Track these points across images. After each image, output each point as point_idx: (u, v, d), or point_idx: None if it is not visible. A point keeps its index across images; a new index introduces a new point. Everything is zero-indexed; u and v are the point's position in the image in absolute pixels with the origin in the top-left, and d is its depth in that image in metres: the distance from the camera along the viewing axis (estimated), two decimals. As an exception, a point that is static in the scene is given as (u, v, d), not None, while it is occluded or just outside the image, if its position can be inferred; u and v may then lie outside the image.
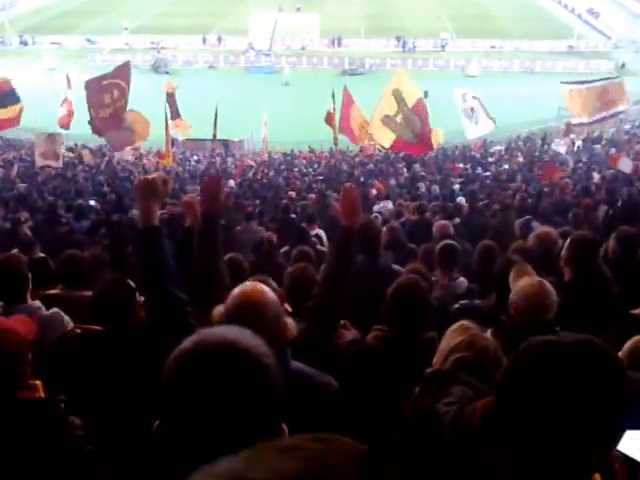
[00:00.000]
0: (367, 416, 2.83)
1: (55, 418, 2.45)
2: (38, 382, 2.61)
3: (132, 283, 3.63)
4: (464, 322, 2.65)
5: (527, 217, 8.32)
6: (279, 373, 1.30)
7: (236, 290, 2.26)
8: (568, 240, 4.49)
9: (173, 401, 1.21)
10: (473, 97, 24.11)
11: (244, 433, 1.13)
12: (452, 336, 2.53)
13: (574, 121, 23.37)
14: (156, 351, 1.49)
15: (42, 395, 2.58)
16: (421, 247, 6.44)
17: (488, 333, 2.60)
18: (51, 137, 19.38)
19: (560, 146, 25.85)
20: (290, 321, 3.24)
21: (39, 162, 19.32)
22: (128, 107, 18.06)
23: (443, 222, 7.58)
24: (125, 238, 7.21)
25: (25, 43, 51.18)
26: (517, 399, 1.43)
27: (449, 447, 1.95)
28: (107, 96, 17.62)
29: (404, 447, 2.22)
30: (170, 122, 22.11)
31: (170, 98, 21.89)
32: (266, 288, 2.29)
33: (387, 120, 16.90)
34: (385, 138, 17.44)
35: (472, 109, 23.88)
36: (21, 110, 19.77)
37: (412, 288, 3.33)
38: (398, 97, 16.97)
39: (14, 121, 20.25)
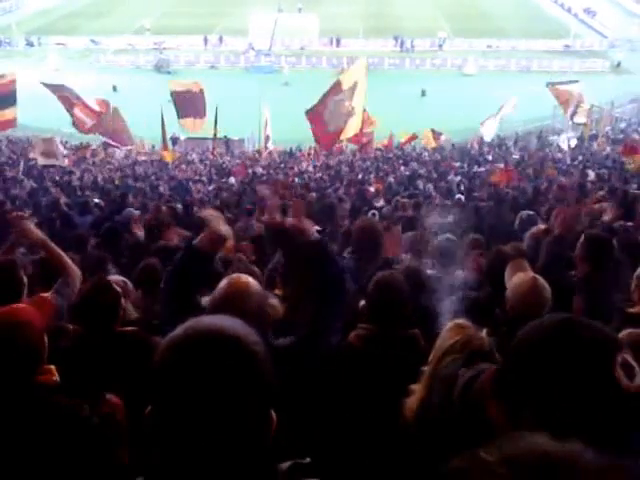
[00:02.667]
0: (352, 415, 2.85)
1: (72, 401, 2.48)
2: (52, 366, 2.63)
3: (118, 287, 3.56)
4: (460, 321, 2.62)
5: (529, 212, 8.23)
6: (268, 361, 1.31)
7: (223, 281, 2.32)
8: (582, 237, 4.50)
9: (164, 387, 1.22)
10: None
11: (233, 419, 1.15)
12: (448, 336, 2.45)
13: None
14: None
15: (57, 379, 2.61)
16: (407, 235, 6.44)
17: (484, 332, 2.59)
18: (46, 140, 19.51)
19: (560, 143, 25.87)
20: (275, 302, 3.29)
21: (41, 161, 19.43)
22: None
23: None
24: (119, 233, 7.24)
25: (31, 44, 51.16)
26: (522, 367, 1.46)
27: (457, 406, 1.97)
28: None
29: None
30: (180, 120, 22.18)
31: (188, 96, 21.84)
32: (250, 279, 2.35)
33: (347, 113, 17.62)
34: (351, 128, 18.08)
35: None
36: (15, 116, 19.96)
37: (390, 283, 3.34)
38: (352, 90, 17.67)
39: (12, 123, 20.33)
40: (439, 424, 2.10)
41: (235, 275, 2.47)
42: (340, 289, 2.85)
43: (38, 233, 4.50)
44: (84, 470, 2.28)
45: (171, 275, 2.88)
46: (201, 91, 22.26)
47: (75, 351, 3.25)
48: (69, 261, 4.40)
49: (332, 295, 2.91)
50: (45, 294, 4.00)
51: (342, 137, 19.38)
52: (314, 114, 18.20)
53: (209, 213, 2.91)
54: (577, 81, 23.75)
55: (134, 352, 3.02)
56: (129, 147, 23.78)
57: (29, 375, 2.48)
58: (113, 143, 21.48)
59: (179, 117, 22.21)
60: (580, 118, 26.36)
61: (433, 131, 26.35)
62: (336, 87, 18.05)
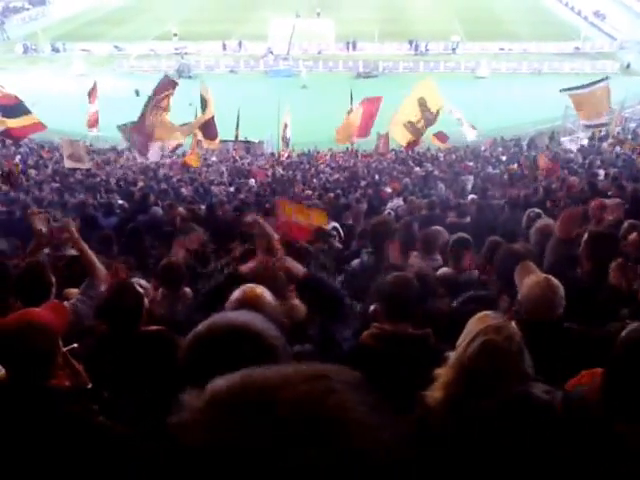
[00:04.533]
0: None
1: (84, 405, 2.48)
2: (69, 370, 2.66)
3: (140, 288, 3.61)
4: (487, 312, 2.65)
5: (536, 210, 8.19)
6: (288, 355, 1.33)
7: (236, 292, 2.32)
8: (586, 235, 4.47)
9: (188, 380, 1.25)
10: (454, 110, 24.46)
11: None
12: (480, 320, 2.54)
13: (586, 122, 23.38)
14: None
15: (69, 384, 2.62)
16: (420, 233, 6.44)
17: (513, 324, 2.60)
18: (74, 142, 19.61)
19: (570, 144, 25.67)
20: (297, 302, 3.32)
21: (68, 164, 19.54)
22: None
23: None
24: (141, 234, 7.26)
25: (57, 50, 51.51)
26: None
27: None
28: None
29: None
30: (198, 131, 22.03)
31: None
32: (265, 290, 2.35)
33: (409, 125, 17.74)
34: (403, 138, 18.24)
35: (459, 119, 24.33)
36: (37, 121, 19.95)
37: (402, 283, 3.35)
38: (423, 105, 17.69)
39: (35, 127, 20.37)
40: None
41: (249, 285, 2.48)
42: (338, 307, 2.91)
43: (75, 233, 4.58)
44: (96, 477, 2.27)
45: (207, 296, 3.02)
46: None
47: (100, 351, 3.29)
48: (98, 263, 4.43)
49: (332, 313, 3.03)
50: (60, 301, 3.95)
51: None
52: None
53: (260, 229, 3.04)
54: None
55: (158, 351, 3.03)
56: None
57: (42, 379, 2.47)
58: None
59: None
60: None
61: (437, 135, 26.13)
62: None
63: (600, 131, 27.66)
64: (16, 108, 19.08)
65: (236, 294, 2.32)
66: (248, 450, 0.70)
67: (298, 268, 2.75)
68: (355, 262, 5.70)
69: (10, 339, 2.43)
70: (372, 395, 0.83)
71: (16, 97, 19.11)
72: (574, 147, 24.94)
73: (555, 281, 3.28)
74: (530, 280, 3.36)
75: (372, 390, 0.84)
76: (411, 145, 19.53)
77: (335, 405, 0.75)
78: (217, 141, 22.02)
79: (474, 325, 2.55)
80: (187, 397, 0.81)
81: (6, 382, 2.47)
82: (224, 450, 0.71)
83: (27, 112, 19.19)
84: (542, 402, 2.15)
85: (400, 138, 18.90)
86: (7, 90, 19.47)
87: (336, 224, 8.68)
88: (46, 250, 5.56)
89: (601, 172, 16.01)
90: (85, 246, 4.50)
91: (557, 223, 4.94)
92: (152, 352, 3.08)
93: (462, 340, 2.52)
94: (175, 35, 51.17)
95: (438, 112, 18.54)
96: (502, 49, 48.43)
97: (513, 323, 2.61)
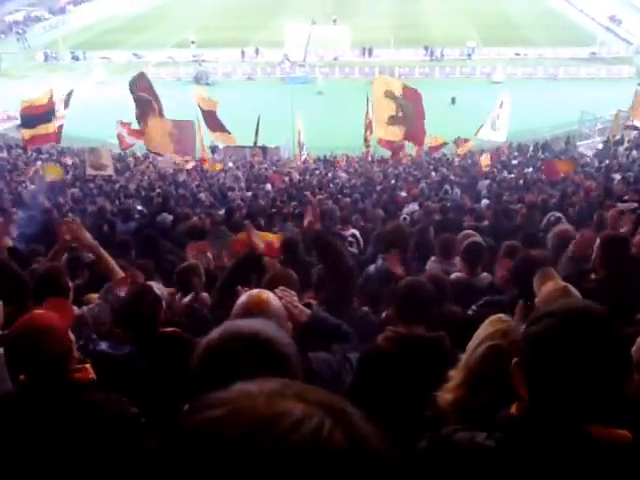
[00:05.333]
0: (383, 416, 2.84)
1: (111, 397, 2.53)
2: (87, 365, 2.69)
3: (159, 292, 3.65)
4: (502, 315, 2.65)
5: (556, 214, 8.12)
6: (299, 362, 1.33)
7: (243, 297, 2.32)
8: (598, 240, 4.43)
9: (201, 386, 1.24)
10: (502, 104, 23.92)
11: None
12: (490, 325, 2.54)
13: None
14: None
15: (94, 376, 2.65)
16: (438, 238, 6.42)
17: (524, 326, 2.61)
18: (94, 151, 19.78)
19: (587, 149, 25.47)
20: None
21: (89, 171, 19.72)
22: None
23: (468, 232, 7.53)
24: (157, 240, 7.31)
25: (77, 58, 52.04)
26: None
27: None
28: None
29: None
30: (211, 133, 21.93)
31: (209, 114, 21.41)
32: (271, 295, 2.36)
33: (392, 120, 17.50)
34: (395, 134, 18.02)
35: (498, 116, 23.81)
36: (59, 128, 20.12)
37: (416, 286, 3.37)
38: (391, 96, 17.56)
39: (51, 137, 20.55)
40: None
41: (255, 290, 2.48)
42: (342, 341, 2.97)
43: (89, 238, 4.61)
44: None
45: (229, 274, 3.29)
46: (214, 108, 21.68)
47: (119, 353, 3.31)
48: (117, 267, 4.47)
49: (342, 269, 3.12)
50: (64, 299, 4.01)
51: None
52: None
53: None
54: None
55: (175, 352, 3.05)
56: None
57: (61, 374, 2.52)
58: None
59: (212, 131, 21.81)
60: None
61: (455, 142, 25.96)
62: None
63: (614, 135, 27.48)
64: (36, 118, 19.28)
65: (242, 298, 2.33)
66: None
67: (302, 311, 2.77)
68: (371, 267, 5.70)
69: (20, 346, 2.48)
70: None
71: (45, 104, 19.31)
72: (590, 152, 24.73)
73: (573, 288, 3.25)
74: (549, 287, 3.33)
75: None
76: (416, 134, 19.04)
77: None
78: (230, 137, 21.85)
79: (485, 329, 2.56)
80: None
81: (25, 385, 2.51)
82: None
83: (47, 121, 19.38)
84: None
85: (393, 136, 18.67)
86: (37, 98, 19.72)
87: (355, 231, 8.67)
88: (65, 255, 5.62)
89: (617, 176, 15.88)
90: (102, 252, 4.54)
91: (571, 245, 4.89)
92: (169, 354, 3.10)
93: (472, 343, 2.54)
94: (193, 43, 51.50)
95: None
96: (518, 54, 48.27)
97: (524, 326, 2.61)
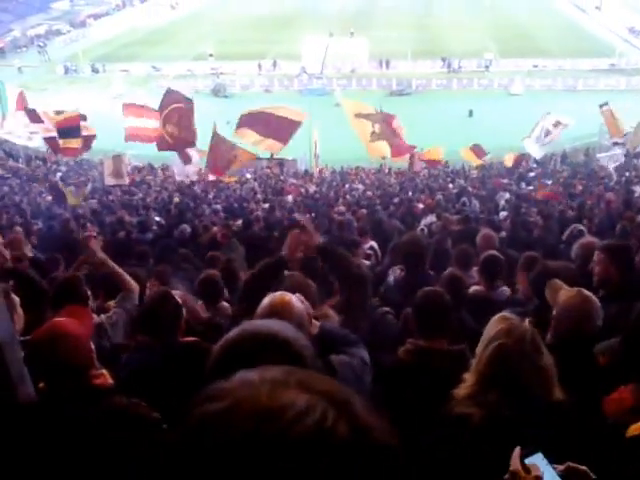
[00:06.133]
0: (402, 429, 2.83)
1: (132, 402, 2.54)
2: (104, 371, 2.72)
3: (179, 299, 3.65)
4: (504, 313, 2.69)
5: (578, 227, 8.07)
6: (317, 363, 1.33)
7: (266, 300, 2.34)
8: (597, 252, 4.40)
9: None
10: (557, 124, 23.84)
11: None
12: (493, 326, 2.59)
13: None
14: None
15: (112, 382, 2.69)
16: (456, 249, 6.40)
17: (526, 322, 2.65)
18: (117, 157, 19.96)
19: (609, 162, 25.28)
20: (331, 312, 3.43)
21: (108, 181, 19.87)
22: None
23: (486, 232, 7.47)
24: (173, 249, 7.37)
25: (96, 71, 52.59)
26: None
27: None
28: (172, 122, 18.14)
29: None
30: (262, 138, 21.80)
31: (286, 121, 21.44)
32: (293, 297, 2.37)
33: (375, 136, 17.81)
34: (384, 150, 18.34)
35: (548, 133, 23.73)
36: (85, 141, 20.45)
37: (434, 298, 3.36)
38: (363, 115, 17.90)
39: (77, 151, 20.90)
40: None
41: (278, 293, 2.49)
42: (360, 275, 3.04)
43: (100, 253, 4.71)
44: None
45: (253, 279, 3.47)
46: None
47: (141, 361, 3.33)
48: (128, 278, 4.54)
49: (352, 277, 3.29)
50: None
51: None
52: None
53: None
54: None
55: (196, 361, 3.05)
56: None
57: (81, 381, 2.56)
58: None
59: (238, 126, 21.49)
60: None
61: (473, 149, 25.77)
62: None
63: (635, 147, 27.27)
64: (66, 131, 19.68)
65: (265, 301, 2.35)
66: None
67: (313, 324, 2.80)
68: (390, 278, 5.70)
69: (42, 354, 2.51)
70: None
71: (74, 118, 19.72)
72: (611, 164, 24.54)
73: (588, 293, 3.24)
74: (564, 294, 3.32)
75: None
76: (400, 149, 19.36)
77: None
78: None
79: (489, 330, 2.61)
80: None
81: (47, 391, 2.54)
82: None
83: (74, 136, 19.76)
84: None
85: (380, 152, 19.03)
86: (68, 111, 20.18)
87: (373, 243, 8.66)
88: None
89: (638, 189, 15.78)
90: (112, 264, 4.61)
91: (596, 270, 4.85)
92: (189, 362, 3.11)
93: (480, 346, 2.59)
94: (211, 55, 51.90)
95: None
96: (536, 66, 48.11)
97: (527, 322, 2.66)
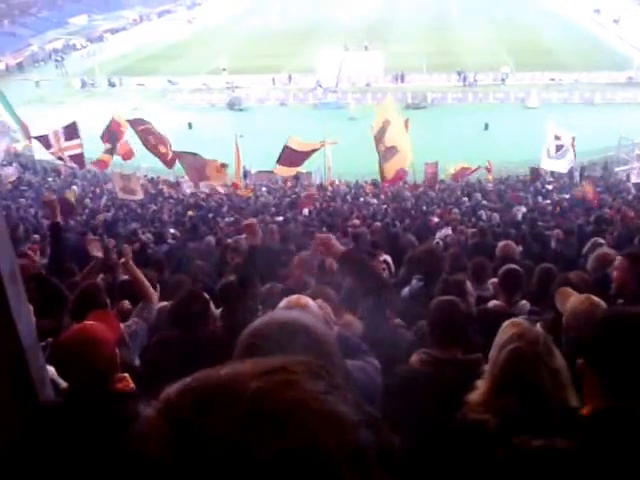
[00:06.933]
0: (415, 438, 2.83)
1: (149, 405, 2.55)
2: (126, 374, 2.78)
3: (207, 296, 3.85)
4: (514, 319, 2.70)
5: (599, 240, 8.00)
6: (338, 351, 1.35)
7: (282, 302, 2.36)
8: (620, 259, 4.38)
9: None
10: (569, 138, 23.96)
11: None
12: (504, 331, 2.59)
13: None
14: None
15: (132, 385, 2.75)
16: (471, 261, 6.37)
17: (537, 326, 2.65)
18: (124, 176, 20.40)
19: (627, 175, 25.17)
20: (352, 318, 3.44)
21: (120, 195, 20.22)
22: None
23: (507, 242, 7.43)
24: (190, 260, 7.45)
25: (113, 85, 53.20)
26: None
27: None
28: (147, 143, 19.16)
29: None
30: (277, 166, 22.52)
31: (294, 153, 22.24)
32: (310, 301, 2.38)
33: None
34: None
35: (563, 146, 23.87)
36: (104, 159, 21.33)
37: (449, 308, 3.34)
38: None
39: (106, 164, 21.62)
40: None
41: (294, 296, 2.49)
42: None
43: (130, 261, 4.82)
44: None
45: None
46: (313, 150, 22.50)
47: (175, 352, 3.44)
48: (149, 286, 4.61)
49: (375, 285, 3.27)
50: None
51: (384, 178, 20.14)
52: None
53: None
54: None
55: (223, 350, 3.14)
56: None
57: (105, 384, 2.62)
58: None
59: (278, 162, 22.62)
60: None
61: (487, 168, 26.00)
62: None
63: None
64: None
65: (282, 303, 2.36)
66: (205, 455, 0.68)
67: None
68: (405, 290, 5.68)
69: (71, 356, 2.58)
70: (336, 382, 0.79)
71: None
72: (633, 178, 24.41)
73: (598, 299, 3.22)
74: (573, 302, 3.31)
75: (335, 377, 0.81)
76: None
77: (291, 397, 0.71)
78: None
79: (501, 335, 2.62)
80: (143, 408, 0.78)
81: (70, 393, 2.61)
82: (181, 458, 0.69)
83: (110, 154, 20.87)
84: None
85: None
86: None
87: (387, 257, 8.63)
88: (100, 275, 5.77)
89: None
90: (137, 272, 4.66)
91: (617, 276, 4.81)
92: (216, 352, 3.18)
93: (492, 352, 2.60)
94: (224, 70, 52.33)
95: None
96: (552, 79, 48.00)
97: (538, 325, 2.68)
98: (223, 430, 0.68)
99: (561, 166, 24.88)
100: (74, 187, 23.87)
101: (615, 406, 1.61)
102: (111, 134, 23.45)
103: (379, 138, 19.18)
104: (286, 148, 22.08)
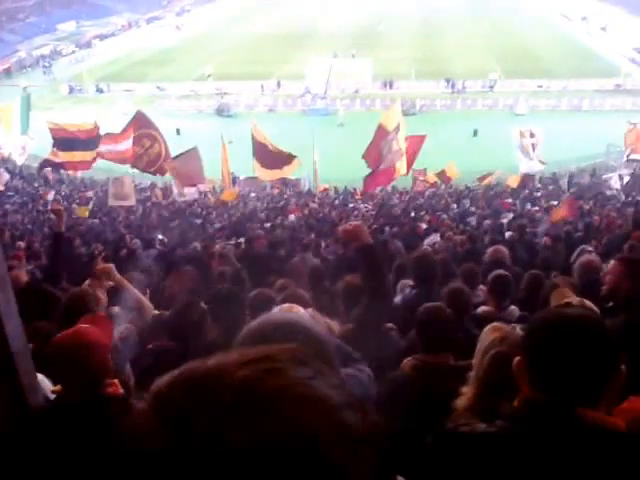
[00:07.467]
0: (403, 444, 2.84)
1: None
2: (116, 380, 2.78)
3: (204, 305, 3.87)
4: (496, 323, 2.72)
5: (587, 248, 8.07)
6: (334, 350, 1.38)
7: (274, 310, 2.37)
8: (614, 262, 4.42)
9: None
10: (531, 134, 24.17)
11: None
12: (486, 336, 2.61)
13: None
14: None
15: (122, 391, 2.75)
16: (462, 267, 6.40)
17: (518, 329, 2.68)
18: (118, 180, 20.09)
19: (616, 182, 25.30)
20: (333, 323, 3.44)
21: (111, 202, 19.98)
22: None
23: (497, 247, 7.47)
24: (178, 266, 7.45)
25: (101, 91, 53.02)
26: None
27: None
28: (138, 147, 18.66)
29: None
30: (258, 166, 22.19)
31: (260, 147, 21.86)
32: (301, 309, 2.39)
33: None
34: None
35: (533, 145, 24.05)
36: (94, 157, 20.70)
37: (435, 314, 3.36)
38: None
39: (87, 164, 21.16)
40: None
41: (286, 305, 2.50)
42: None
43: (117, 275, 4.87)
44: None
45: None
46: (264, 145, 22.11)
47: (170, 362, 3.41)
48: (142, 297, 4.64)
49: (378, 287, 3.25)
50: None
51: (395, 177, 20.21)
52: (370, 157, 19.09)
53: None
54: None
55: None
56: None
57: (96, 388, 2.62)
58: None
59: (253, 156, 22.07)
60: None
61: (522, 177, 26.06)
62: (381, 131, 18.86)
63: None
64: (73, 143, 19.94)
65: (275, 310, 2.37)
66: (192, 444, 0.69)
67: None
68: (398, 297, 5.69)
69: (65, 358, 2.59)
70: (320, 368, 0.81)
71: (89, 131, 20.08)
72: (618, 185, 24.56)
73: (590, 303, 3.24)
74: (565, 303, 3.32)
75: (320, 363, 0.83)
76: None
77: (278, 384, 0.73)
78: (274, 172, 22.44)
79: (483, 340, 2.66)
80: (135, 401, 0.80)
81: (63, 396, 2.63)
82: (171, 449, 0.70)
83: (88, 149, 20.04)
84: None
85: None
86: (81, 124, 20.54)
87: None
88: (87, 281, 5.76)
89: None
90: (128, 285, 4.68)
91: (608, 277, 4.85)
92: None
93: (476, 358, 2.64)
94: (209, 76, 52.31)
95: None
96: (541, 86, 48.28)
97: (518, 329, 2.72)
98: (214, 419, 0.70)
99: (536, 165, 25.16)
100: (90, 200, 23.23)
101: (543, 400, 1.66)
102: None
103: (394, 136, 19.29)
104: (254, 139, 21.89)
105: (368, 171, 19.93)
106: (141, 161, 19.22)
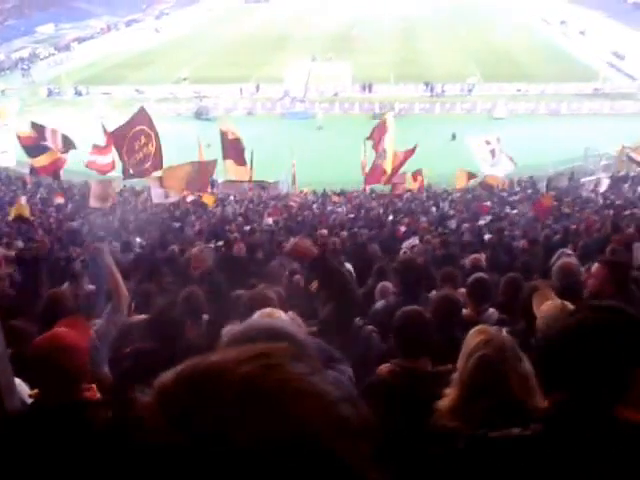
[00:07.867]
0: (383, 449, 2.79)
1: (119, 414, 2.56)
2: (94, 385, 2.79)
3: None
4: (481, 326, 2.71)
5: (566, 251, 8.10)
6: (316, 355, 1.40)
7: (256, 315, 2.34)
8: (598, 265, 4.43)
9: None
10: (495, 140, 24.46)
11: None
12: (471, 339, 2.61)
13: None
14: None
15: (98, 396, 2.75)
16: (441, 271, 6.40)
17: (504, 332, 2.67)
18: (103, 182, 20.02)
19: (597, 186, 25.60)
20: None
21: (92, 204, 19.81)
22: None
23: (476, 255, 7.49)
24: (161, 270, 7.40)
25: (79, 94, 52.66)
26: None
27: None
28: (136, 144, 18.46)
29: None
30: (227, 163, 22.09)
31: (232, 143, 21.80)
32: (282, 314, 2.38)
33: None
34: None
35: (493, 152, 24.32)
36: (59, 158, 20.50)
37: (413, 318, 3.34)
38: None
39: (60, 162, 20.91)
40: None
41: (267, 309, 2.48)
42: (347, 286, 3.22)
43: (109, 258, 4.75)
44: None
45: None
46: (238, 140, 22.21)
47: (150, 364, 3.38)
48: (124, 289, 4.50)
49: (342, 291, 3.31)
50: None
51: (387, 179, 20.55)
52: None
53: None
54: None
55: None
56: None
57: (73, 391, 2.63)
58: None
59: (224, 158, 22.09)
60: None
61: (469, 173, 26.11)
62: (381, 127, 19.22)
63: (619, 171, 27.66)
64: (36, 147, 19.72)
65: (255, 316, 2.34)
66: (198, 439, 0.70)
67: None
68: (379, 304, 5.67)
69: (43, 362, 2.60)
70: (315, 365, 0.85)
71: (35, 136, 19.80)
72: (601, 188, 24.85)
73: (572, 306, 3.22)
74: (547, 306, 3.32)
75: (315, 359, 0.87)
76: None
77: (278, 379, 0.76)
78: (244, 170, 22.37)
79: (468, 343, 2.63)
80: (139, 395, 0.80)
81: (41, 399, 2.64)
82: (175, 444, 0.71)
83: (46, 150, 19.85)
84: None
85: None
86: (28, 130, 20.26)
87: (349, 266, 8.62)
88: (65, 284, 5.74)
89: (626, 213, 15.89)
90: (115, 270, 4.54)
91: (591, 279, 4.87)
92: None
93: (460, 360, 2.62)
94: (184, 80, 52.09)
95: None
96: (519, 90, 48.66)
97: (504, 331, 2.71)
98: (218, 414, 0.72)
99: (502, 170, 25.39)
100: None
101: (569, 398, 1.64)
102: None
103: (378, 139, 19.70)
104: (224, 137, 21.96)
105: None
106: (133, 158, 18.97)
